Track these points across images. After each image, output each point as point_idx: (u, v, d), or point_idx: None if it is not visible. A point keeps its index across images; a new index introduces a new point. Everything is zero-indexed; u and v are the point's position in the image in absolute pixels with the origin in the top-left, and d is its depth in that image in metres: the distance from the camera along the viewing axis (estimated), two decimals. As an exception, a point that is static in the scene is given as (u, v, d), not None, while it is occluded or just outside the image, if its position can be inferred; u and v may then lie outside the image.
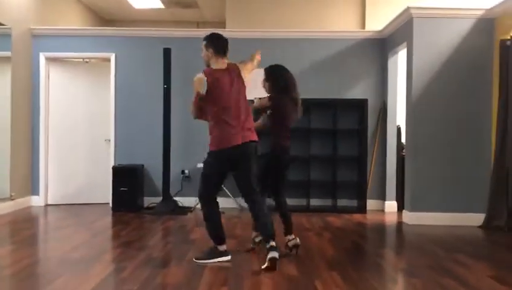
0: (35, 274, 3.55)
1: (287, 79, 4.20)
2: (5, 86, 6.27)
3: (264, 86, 4.29)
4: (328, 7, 7.90)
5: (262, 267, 3.62)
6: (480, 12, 5.81)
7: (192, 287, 3.19)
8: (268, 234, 3.72)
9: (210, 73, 3.80)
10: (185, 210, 6.49)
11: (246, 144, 3.79)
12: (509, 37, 5.47)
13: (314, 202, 6.88)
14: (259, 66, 4.25)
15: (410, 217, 5.84)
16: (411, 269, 3.77)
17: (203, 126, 6.84)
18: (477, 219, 5.71)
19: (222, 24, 8.44)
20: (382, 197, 6.91)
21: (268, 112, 4.22)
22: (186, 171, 6.96)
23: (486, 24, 5.84)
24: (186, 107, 7.02)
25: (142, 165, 6.86)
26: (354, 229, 5.49)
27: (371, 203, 6.82)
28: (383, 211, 6.80)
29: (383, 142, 6.92)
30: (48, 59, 6.95)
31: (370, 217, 6.30)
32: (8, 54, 6.29)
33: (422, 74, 5.86)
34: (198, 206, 6.79)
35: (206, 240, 4.70)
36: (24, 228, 5.28)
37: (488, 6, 5.74)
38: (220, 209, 3.99)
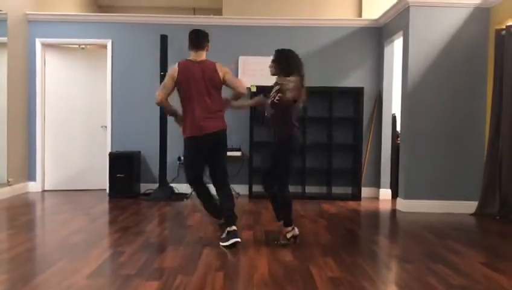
0: (34, 258, 3.60)
1: (298, 62, 4.13)
2: (1, 72, 6.26)
3: (272, 67, 4.15)
4: (325, -5, 7.89)
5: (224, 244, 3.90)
6: (476, 2, 5.83)
7: (189, 272, 3.25)
8: (232, 219, 4.02)
9: (182, 63, 4.09)
10: (181, 196, 6.54)
11: (214, 133, 4.04)
12: (504, 27, 5.50)
13: (310, 189, 6.94)
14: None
15: (404, 205, 5.92)
16: (404, 256, 3.84)
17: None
18: (469, 206, 5.79)
19: (219, 11, 8.41)
20: (377, 184, 6.98)
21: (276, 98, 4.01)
22: (183, 158, 6.98)
23: (482, 13, 5.86)
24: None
25: (139, 152, 6.89)
26: (348, 216, 5.56)
27: (366, 191, 6.89)
28: (377, 198, 6.88)
29: (378, 131, 6.97)
30: (44, 45, 6.93)
31: (364, 205, 6.37)
32: (4, 39, 6.26)
33: (418, 63, 5.89)
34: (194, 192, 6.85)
35: (202, 225, 4.77)
36: (21, 213, 5.32)
37: (484, -4, 5.77)
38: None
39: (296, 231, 4.12)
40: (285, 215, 4.12)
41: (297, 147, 4.15)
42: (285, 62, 4.07)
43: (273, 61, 4.12)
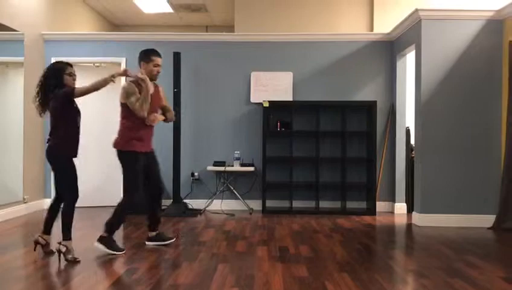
0: (50, 275, 3.62)
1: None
2: (18, 90, 6.37)
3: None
4: (336, 10, 7.93)
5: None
6: (489, 14, 5.81)
7: (203, 288, 3.23)
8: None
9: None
10: (195, 212, 6.54)
11: None
12: (518, 38, 5.47)
13: (324, 204, 6.90)
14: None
15: (419, 219, 5.84)
16: (421, 270, 3.78)
17: (212, 130, 6.93)
18: (487, 220, 5.70)
19: (231, 28, 8.50)
20: (392, 199, 6.92)
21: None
22: (196, 174, 7.01)
23: (495, 26, 5.83)
24: (195, 111, 7.09)
25: (153, 168, 6.91)
26: (363, 230, 5.51)
27: (381, 205, 6.83)
28: (392, 213, 6.80)
29: (392, 144, 6.93)
30: (60, 64, 7.04)
31: (379, 219, 6.31)
32: (20, 59, 6.39)
33: (431, 76, 5.87)
34: (208, 208, 6.87)
35: (216, 241, 4.76)
36: (37, 231, 5.32)
37: (497, 8, 5.74)
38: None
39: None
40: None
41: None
42: None
43: None
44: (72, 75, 4.19)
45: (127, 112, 4.26)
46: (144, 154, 4.33)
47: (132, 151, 4.25)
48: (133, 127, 4.26)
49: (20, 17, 6.31)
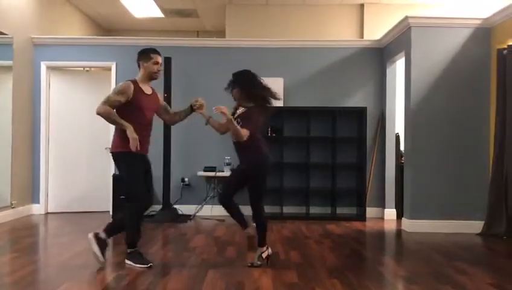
0: (37, 281, 3.58)
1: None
2: (7, 94, 6.31)
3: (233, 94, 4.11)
4: (327, 17, 7.98)
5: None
6: (477, 22, 5.88)
7: (193, 295, 3.21)
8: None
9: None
10: (185, 218, 6.50)
11: None
12: (505, 46, 5.53)
13: (314, 209, 6.90)
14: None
15: (409, 225, 5.87)
16: (411, 276, 3.79)
17: (202, 135, 6.91)
18: (476, 226, 5.73)
19: (222, 33, 8.51)
20: (381, 205, 6.94)
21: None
22: (186, 180, 6.98)
23: (483, 33, 5.90)
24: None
25: (143, 173, 6.87)
26: (353, 236, 5.51)
27: (370, 211, 6.84)
28: (382, 218, 6.82)
29: (382, 150, 6.96)
30: (49, 68, 7.00)
31: (369, 225, 6.32)
32: (9, 63, 6.33)
33: (421, 83, 5.92)
34: (198, 213, 6.83)
35: (206, 247, 4.74)
36: (25, 236, 5.29)
37: (485, 16, 5.81)
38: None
39: (270, 250, 4.06)
40: (261, 235, 4.04)
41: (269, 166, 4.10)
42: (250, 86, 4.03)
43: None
44: None
45: (123, 113, 3.98)
46: (140, 156, 4.02)
47: (127, 152, 3.93)
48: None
49: (9, 21, 6.25)
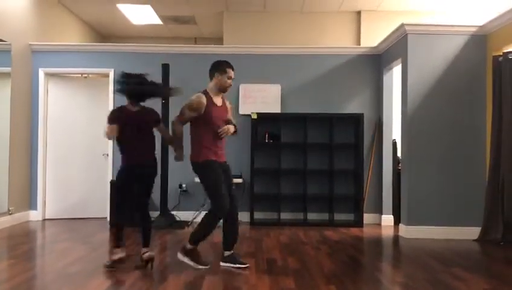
0: (33, 288, 3.56)
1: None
2: (5, 101, 6.32)
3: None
4: (324, 24, 8.02)
5: None
6: (473, 29, 5.92)
7: (191, 301, 3.21)
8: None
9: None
10: (183, 224, 6.50)
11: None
12: (501, 53, 5.58)
13: (311, 216, 6.91)
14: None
15: (406, 231, 5.88)
16: (408, 282, 3.80)
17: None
18: (473, 232, 5.75)
19: (220, 40, 8.54)
20: (379, 211, 6.95)
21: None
22: (184, 186, 6.98)
23: (479, 40, 5.95)
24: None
25: (140, 180, 6.87)
26: (351, 242, 5.52)
27: (368, 217, 6.85)
28: (379, 224, 6.83)
29: (379, 157, 6.98)
30: (47, 75, 7.02)
31: (367, 231, 6.33)
32: (7, 69, 6.34)
33: (417, 89, 5.95)
34: (196, 219, 6.82)
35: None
36: (22, 243, 5.28)
37: (481, 23, 5.86)
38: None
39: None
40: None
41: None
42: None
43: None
44: None
45: (196, 123, 4.13)
46: (218, 163, 4.13)
47: (205, 161, 4.09)
48: (203, 138, 4.12)
49: (7, 27, 6.27)
